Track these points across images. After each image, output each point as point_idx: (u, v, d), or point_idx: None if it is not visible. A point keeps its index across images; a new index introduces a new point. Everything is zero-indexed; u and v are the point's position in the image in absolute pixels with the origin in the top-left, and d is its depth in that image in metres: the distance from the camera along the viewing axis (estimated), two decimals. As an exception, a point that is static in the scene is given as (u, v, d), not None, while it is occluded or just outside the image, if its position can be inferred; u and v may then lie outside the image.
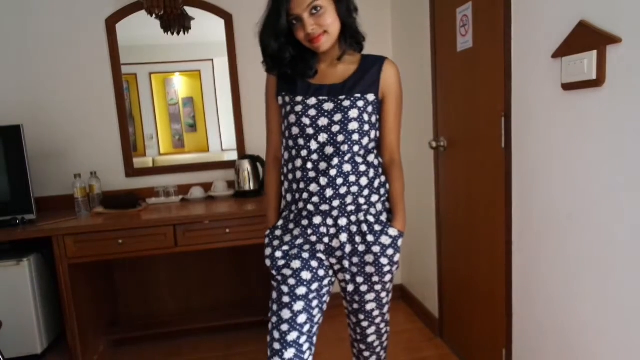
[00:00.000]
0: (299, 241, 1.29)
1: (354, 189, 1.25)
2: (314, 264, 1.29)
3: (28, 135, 2.30)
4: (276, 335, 1.23)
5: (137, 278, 2.70)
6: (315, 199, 1.25)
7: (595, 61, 1.19)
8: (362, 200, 1.27)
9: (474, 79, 1.89)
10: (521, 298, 1.67)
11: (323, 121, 1.24)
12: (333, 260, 1.32)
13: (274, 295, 1.29)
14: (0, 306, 2.23)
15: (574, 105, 1.31)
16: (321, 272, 1.30)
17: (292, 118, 1.27)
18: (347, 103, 1.24)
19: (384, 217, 1.33)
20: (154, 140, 2.76)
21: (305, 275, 1.27)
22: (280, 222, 1.35)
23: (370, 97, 1.27)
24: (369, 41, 1.37)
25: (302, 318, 1.24)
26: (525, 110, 1.56)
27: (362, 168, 1.27)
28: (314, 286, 1.28)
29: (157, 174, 2.72)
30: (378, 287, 1.34)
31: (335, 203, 1.25)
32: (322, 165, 1.24)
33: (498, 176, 1.75)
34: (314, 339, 1.28)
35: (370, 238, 1.28)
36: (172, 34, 2.60)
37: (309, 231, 1.28)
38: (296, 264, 1.28)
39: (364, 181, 1.27)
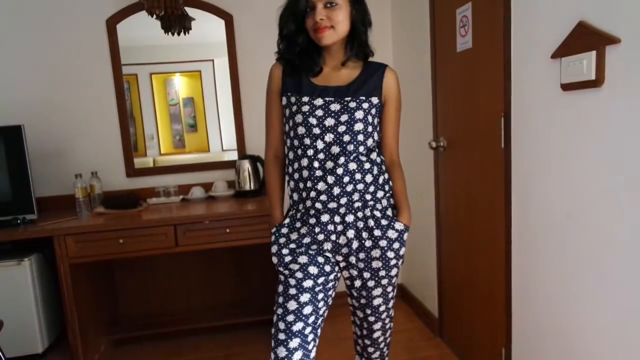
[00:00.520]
0: (306, 240, 1.31)
1: (360, 186, 1.29)
2: (321, 259, 1.31)
3: (29, 136, 2.30)
4: (281, 326, 1.24)
5: (138, 278, 2.71)
6: (323, 197, 1.28)
7: (594, 61, 1.20)
8: (368, 197, 1.31)
9: (474, 79, 1.90)
10: (520, 297, 1.68)
11: (330, 121, 1.27)
12: (339, 258, 1.35)
13: (280, 288, 1.30)
14: (2, 306, 2.24)
15: (573, 106, 1.32)
16: (327, 268, 1.32)
17: (299, 118, 1.28)
18: (353, 104, 1.29)
19: (389, 212, 1.36)
20: (155, 140, 2.76)
21: (312, 269, 1.29)
22: (287, 221, 1.35)
23: (375, 100, 1.32)
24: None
25: (307, 309, 1.26)
26: (524, 111, 1.56)
27: (367, 166, 1.31)
28: (320, 280, 1.30)
29: (157, 174, 2.73)
30: (385, 282, 1.36)
31: (343, 200, 1.28)
32: (329, 164, 1.27)
33: (497, 176, 1.75)
34: (319, 331, 1.30)
35: (377, 233, 1.31)
36: (173, 34, 2.61)
37: (317, 229, 1.30)
38: (303, 259, 1.30)
39: (369, 178, 1.31)
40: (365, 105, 1.30)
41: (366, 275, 1.35)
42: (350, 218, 1.30)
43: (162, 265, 2.71)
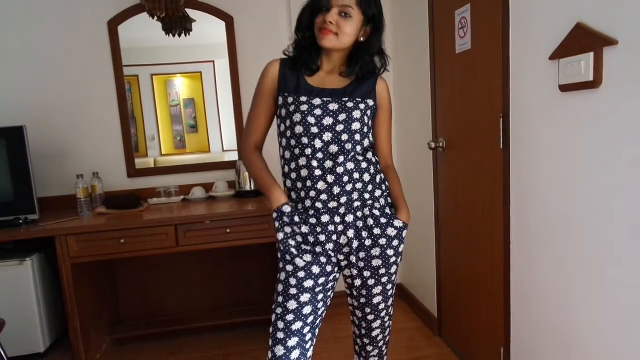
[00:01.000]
0: (311, 238, 1.32)
1: (359, 185, 1.31)
2: (323, 259, 1.32)
3: (31, 136, 2.31)
4: (280, 324, 1.25)
5: (139, 277, 2.72)
6: (323, 197, 1.29)
7: (592, 63, 1.21)
8: (366, 196, 1.33)
9: (472, 80, 1.91)
10: (519, 297, 1.69)
11: (328, 120, 1.29)
12: (340, 257, 1.36)
13: (280, 287, 1.31)
14: (3, 305, 2.25)
15: (571, 106, 1.33)
16: (328, 268, 1.33)
17: (297, 117, 1.29)
18: (350, 104, 1.31)
19: (388, 210, 1.38)
20: (156, 141, 2.78)
21: (315, 269, 1.30)
22: (288, 209, 1.32)
23: (370, 102, 1.36)
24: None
25: (307, 309, 1.27)
26: (522, 111, 1.57)
27: (364, 165, 1.33)
28: (321, 280, 1.31)
29: (158, 174, 2.74)
30: (384, 280, 1.37)
31: (343, 199, 1.30)
32: (328, 164, 1.28)
33: (496, 176, 1.77)
34: (316, 331, 1.31)
35: (376, 231, 1.33)
36: (174, 35, 2.62)
37: (318, 229, 1.31)
38: (307, 257, 1.30)
39: (366, 177, 1.33)
40: (362, 106, 1.33)
41: (366, 273, 1.36)
42: (349, 217, 1.31)
43: (163, 265, 2.72)
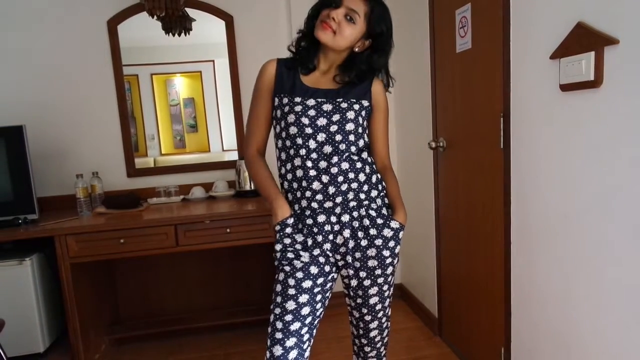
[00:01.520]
0: (309, 241, 1.32)
1: (354, 185, 1.31)
2: (322, 259, 1.32)
3: (30, 136, 2.31)
4: (279, 325, 1.25)
5: (139, 277, 2.72)
6: (319, 197, 1.29)
7: (593, 62, 1.21)
8: (362, 196, 1.33)
9: (473, 79, 1.90)
10: (520, 297, 1.68)
11: (322, 121, 1.29)
12: (338, 257, 1.35)
13: (279, 287, 1.30)
14: (3, 305, 2.25)
15: (571, 106, 1.33)
16: (327, 268, 1.33)
17: (291, 118, 1.30)
18: (344, 105, 1.31)
19: (385, 211, 1.37)
20: (155, 141, 2.77)
21: (313, 269, 1.30)
22: (291, 221, 1.33)
23: (365, 102, 1.36)
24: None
25: (305, 310, 1.27)
26: (523, 111, 1.57)
27: (359, 165, 1.33)
28: (320, 280, 1.31)
29: (158, 174, 2.74)
30: (380, 280, 1.37)
31: (338, 199, 1.30)
32: (322, 164, 1.29)
33: (497, 176, 1.76)
34: (314, 332, 1.31)
35: (373, 232, 1.32)
36: (173, 35, 2.62)
37: (315, 230, 1.31)
38: (305, 258, 1.30)
39: (362, 177, 1.33)
40: (356, 107, 1.33)
41: (362, 274, 1.35)
42: (345, 217, 1.31)
43: (163, 265, 2.72)
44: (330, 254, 1.34)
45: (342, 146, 1.30)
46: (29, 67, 2.55)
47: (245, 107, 2.74)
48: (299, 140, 1.29)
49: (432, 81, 2.29)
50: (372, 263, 1.34)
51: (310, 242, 1.31)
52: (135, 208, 2.41)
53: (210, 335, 2.65)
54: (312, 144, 1.29)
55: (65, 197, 2.57)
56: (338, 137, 1.29)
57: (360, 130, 1.34)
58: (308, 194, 1.30)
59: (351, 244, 1.32)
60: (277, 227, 1.33)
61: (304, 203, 1.32)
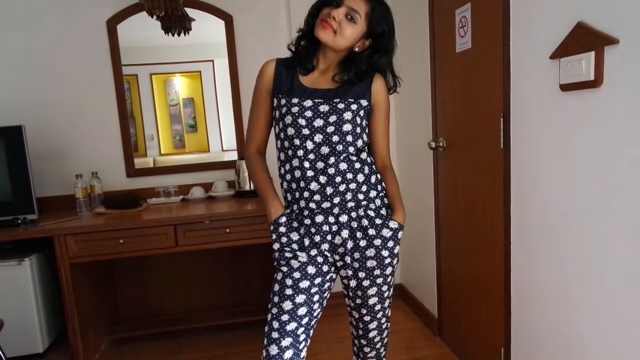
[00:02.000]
0: (306, 241, 1.32)
1: (352, 185, 1.31)
2: (320, 259, 1.32)
3: (30, 136, 2.31)
4: (275, 325, 1.25)
5: (138, 277, 2.71)
6: (316, 197, 1.29)
7: (593, 62, 1.21)
8: (361, 196, 1.32)
9: (473, 79, 1.90)
10: (520, 297, 1.68)
11: (319, 122, 1.29)
12: (336, 257, 1.35)
13: (276, 287, 1.30)
14: (2, 305, 2.24)
15: (572, 106, 1.33)
16: (325, 268, 1.33)
17: (289, 119, 1.30)
18: (341, 105, 1.31)
19: (383, 211, 1.37)
20: (155, 141, 2.77)
21: (311, 269, 1.30)
22: (284, 220, 1.34)
23: (364, 102, 1.34)
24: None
25: (302, 310, 1.27)
26: (523, 111, 1.57)
27: (357, 165, 1.32)
28: (317, 280, 1.31)
29: (157, 174, 2.74)
30: (380, 281, 1.36)
31: (336, 200, 1.30)
32: (320, 165, 1.29)
33: (497, 176, 1.76)
34: (311, 332, 1.31)
35: (371, 232, 1.32)
36: (173, 35, 2.62)
37: (313, 230, 1.31)
38: (303, 257, 1.30)
39: (360, 178, 1.32)
40: (354, 107, 1.32)
41: (361, 275, 1.35)
42: (344, 218, 1.31)
43: (162, 265, 2.72)
44: (329, 255, 1.34)
45: (340, 147, 1.29)
46: (29, 67, 2.54)
47: (245, 107, 2.75)
48: (297, 141, 1.29)
49: (432, 81, 2.29)
50: (370, 263, 1.34)
51: (307, 242, 1.31)
52: (134, 208, 2.40)
53: (210, 335, 2.65)
54: (309, 145, 1.28)
55: (65, 197, 2.56)
56: (335, 138, 1.29)
57: (358, 130, 1.33)
58: (306, 194, 1.30)
59: (350, 244, 1.32)
60: (271, 227, 1.35)
61: (302, 203, 1.32)
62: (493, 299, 1.87)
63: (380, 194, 1.38)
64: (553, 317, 1.49)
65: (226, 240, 2.21)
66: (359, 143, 1.34)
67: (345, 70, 1.35)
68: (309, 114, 1.29)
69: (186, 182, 2.72)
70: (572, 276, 1.38)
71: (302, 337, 1.27)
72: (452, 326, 2.32)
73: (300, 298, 1.27)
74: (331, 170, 1.28)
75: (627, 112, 1.13)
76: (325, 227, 1.31)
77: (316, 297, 1.30)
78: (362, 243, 1.32)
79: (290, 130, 1.30)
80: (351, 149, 1.31)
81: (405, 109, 2.70)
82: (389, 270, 1.37)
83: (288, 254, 1.31)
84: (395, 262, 1.38)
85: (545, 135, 1.46)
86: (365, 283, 1.36)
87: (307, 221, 1.32)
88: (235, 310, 2.72)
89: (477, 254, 1.98)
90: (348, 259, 1.34)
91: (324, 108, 1.29)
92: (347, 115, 1.30)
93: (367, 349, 1.51)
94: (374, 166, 1.40)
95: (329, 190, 1.29)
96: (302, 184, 1.30)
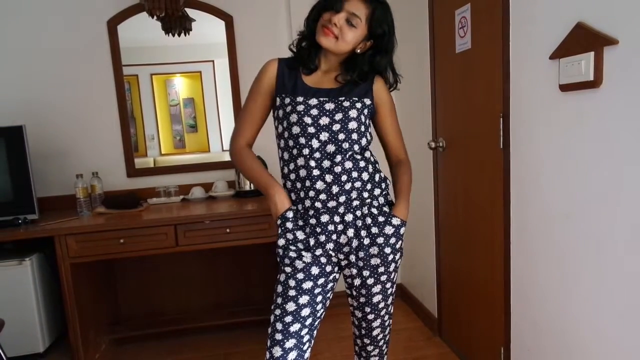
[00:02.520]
0: (312, 241, 1.31)
1: (357, 184, 1.31)
2: (323, 259, 1.32)
3: (30, 136, 2.31)
4: (279, 326, 1.25)
5: (139, 277, 2.72)
6: (322, 196, 1.29)
7: (592, 62, 1.21)
8: (365, 195, 1.33)
9: (473, 80, 1.91)
10: (519, 297, 1.69)
11: (324, 120, 1.29)
12: (341, 256, 1.36)
13: (279, 288, 1.30)
14: (3, 305, 2.24)
15: (571, 106, 1.33)
16: (328, 268, 1.34)
17: (294, 117, 1.29)
18: (347, 103, 1.31)
19: (387, 209, 1.38)
20: (155, 141, 2.77)
21: (314, 270, 1.30)
22: (291, 215, 1.33)
23: (367, 101, 1.36)
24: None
25: (305, 311, 1.27)
26: (523, 111, 1.57)
27: (362, 164, 1.33)
28: (320, 281, 1.31)
29: (158, 174, 2.74)
30: (384, 278, 1.37)
31: (342, 199, 1.30)
32: (326, 163, 1.28)
33: (496, 176, 1.76)
34: (314, 332, 1.31)
35: (374, 230, 1.33)
36: (173, 35, 2.62)
37: (318, 229, 1.31)
38: (307, 258, 1.30)
39: (365, 176, 1.33)
40: (359, 105, 1.33)
41: (365, 273, 1.36)
42: (349, 217, 1.31)
43: (163, 265, 2.72)
44: (333, 254, 1.34)
45: (346, 145, 1.30)
46: (30, 67, 2.55)
47: (245, 107, 2.75)
48: (302, 140, 1.29)
49: (431, 81, 2.29)
50: (375, 261, 1.34)
51: (312, 241, 1.31)
52: (135, 208, 2.41)
53: (210, 335, 2.65)
54: (315, 144, 1.28)
55: (65, 197, 2.57)
56: (341, 136, 1.29)
57: (362, 128, 1.33)
58: (311, 193, 1.30)
59: (355, 243, 1.33)
60: (278, 222, 1.33)
61: (307, 203, 1.31)
62: (493, 299, 1.88)
63: (384, 192, 1.39)
64: (553, 317, 1.49)
65: (226, 240, 2.21)
66: (363, 141, 1.34)
67: (348, 71, 1.36)
68: (314, 112, 1.29)
69: (186, 182, 2.72)
70: (572, 276, 1.39)
71: (306, 338, 1.27)
72: (452, 326, 2.32)
73: (304, 299, 1.27)
74: (337, 169, 1.28)
75: (627, 112, 1.14)
76: (331, 227, 1.31)
77: (319, 298, 1.31)
78: (366, 241, 1.33)
79: (296, 129, 1.29)
80: (356, 147, 1.32)
81: (405, 109, 2.70)
82: (392, 267, 1.38)
83: (293, 254, 1.31)
84: (398, 257, 1.38)
85: (545, 135, 1.46)
86: (370, 281, 1.37)
87: (313, 221, 1.31)
88: (235, 310, 2.72)
89: (477, 253, 1.99)
90: (353, 258, 1.34)
91: (329, 106, 1.30)
92: (353, 113, 1.30)
93: (370, 347, 1.51)
94: (377, 165, 1.40)
95: (335, 189, 1.28)
96: (307, 183, 1.30)
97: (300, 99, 1.31)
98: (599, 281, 1.27)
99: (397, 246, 1.36)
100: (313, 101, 1.30)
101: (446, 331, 2.39)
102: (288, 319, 1.25)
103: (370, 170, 1.35)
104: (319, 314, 1.31)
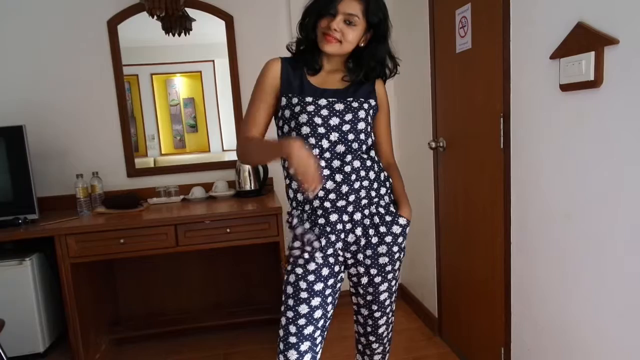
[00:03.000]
0: (322, 242, 1.30)
1: (365, 183, 1.32)
2: (332, 260, 1.33)
3: (30, 136, 2.31)
4: (292, 329, 1.26)
5: (139, 277, 2.72)
6: (332, 196, 1.29)
7: (593, 62, 1.21)
8: (373, 194, 1.34)
9: (473, 79, 1.90)
10: (520, 297, 1.69)
11: (334, 120, 1.29)
12: (348, 255, 1.36)
13: (290, 290, 1.30)
14: (3, 305, 2.25)
15: (572, 106, 1.33)
16: (336, 268, 1.34)
17: (304, 118, 1.28)
18: (355, 104, 1.33)
19: (392, 208, 1.39)
20: (155, 141, 2.77)
21: (325, 271, 1.30)
22: (297, 212, 1.34)
23: (372, 102, 1.37)
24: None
25: (318, 313, 1.28)
26: (523, 111, 1.57)
27: (369, 163, 1.34)
28: (330, 281, 1.32)
29: (158, 174, 2.74)
30: (390, 276, 1.39)
31: (351, 198, 1.30)
32: (336, 163, 1.29)
33: (497, 176, 1.76)
34: (325, 333, 1.33)
35: (382, 229, 1.34)
36: (173, 35, 2.62)
37: (328, 229, 1.31)
38: (318, 259, 1.30)
39: (372, 175, 1.34)
40: (366, 106, 1.34)
41: (373, 271, 1.36)
42: (357, 216, 1.32)
43: (163, 265, 2.72)
44: (341, 253, 1.35)
45: (355, 145, 1.31)
46: (29, 67, 2.55)
47: (246, 107, 2.74)
48: (312, 140, 1.29)
49: (432, 81, 2.29)
50: (383, 260, 1.35)
51: (323, 241, 1.31)
52: (135, 208, 2.41)
53: (210, 335, 2.65)
54: (325, 144, 1.29)
55: (65, 197, 2.57)
56: (350, 136, 1.30)
57: (369, 129, 1.36)
58: (321, 193, 1.29)
59: (363, 241, 1.34)
60: (288, 218, 1.35)
61: (316, 203, 1.31)
62: (493, 299, 1.87)
63: (389, 191, 1.41)
64: (553, 316, 1.49)
65: (226, 240, 2.21)
66: (369, 141, 1.36)
67: (355, 70, 1.36)
68: (325, 112, 1.29)
69: (187, 182, 2.72)
70: (572, 276, 1.39)
71: (319, 339, 1.29)
72: (452, 326, 2.32)
73: (316, 301, 1.28)
74: (347, 168, 1.29)
75: (627, 112, 1.14)
76: (339, 226, 1.31)
77: (329, 299, 1.32)
78: (374, 240, 1.34)
79: (305, 129, 1.29)
80: (364, 147, 1.34)
81: (406, 109, 2.70)
82: (397, 264, 1.40)
83: (306, 255, 1.30)
84: (403, 255, 1.41)
85: (545, 135, 1.46)
86: (377, 279, 1.38)
87: (321, 220, 1.31)
88: (235, 310, 2.73)
89: (477, 253, 1.99)
90: (360, 256, 1.35)
91: (339, 107, 1.30)
92: (362, 114, 1.32)
93: (375, 345, 1.52)
94: (381, 164, 1.42)
95: (345, 188, 1.29)
96: None
97: (309, 99, 1.30)
98: (599, 281, 1.27)
99: (403, 245, 1.39)
100: (322, 101, 1.30)
101: (446, 331, 2.39)
102: (302, 321, 1.26)
103: (376, 169, 1.36)
104: (329, 315, 1.33)
